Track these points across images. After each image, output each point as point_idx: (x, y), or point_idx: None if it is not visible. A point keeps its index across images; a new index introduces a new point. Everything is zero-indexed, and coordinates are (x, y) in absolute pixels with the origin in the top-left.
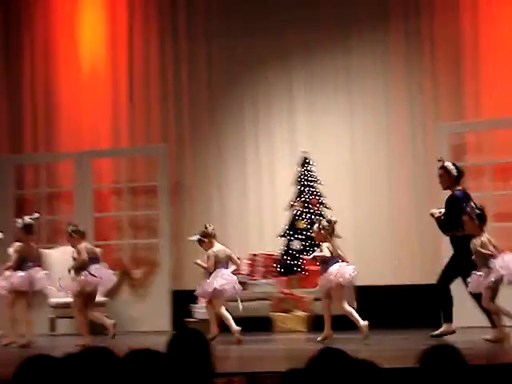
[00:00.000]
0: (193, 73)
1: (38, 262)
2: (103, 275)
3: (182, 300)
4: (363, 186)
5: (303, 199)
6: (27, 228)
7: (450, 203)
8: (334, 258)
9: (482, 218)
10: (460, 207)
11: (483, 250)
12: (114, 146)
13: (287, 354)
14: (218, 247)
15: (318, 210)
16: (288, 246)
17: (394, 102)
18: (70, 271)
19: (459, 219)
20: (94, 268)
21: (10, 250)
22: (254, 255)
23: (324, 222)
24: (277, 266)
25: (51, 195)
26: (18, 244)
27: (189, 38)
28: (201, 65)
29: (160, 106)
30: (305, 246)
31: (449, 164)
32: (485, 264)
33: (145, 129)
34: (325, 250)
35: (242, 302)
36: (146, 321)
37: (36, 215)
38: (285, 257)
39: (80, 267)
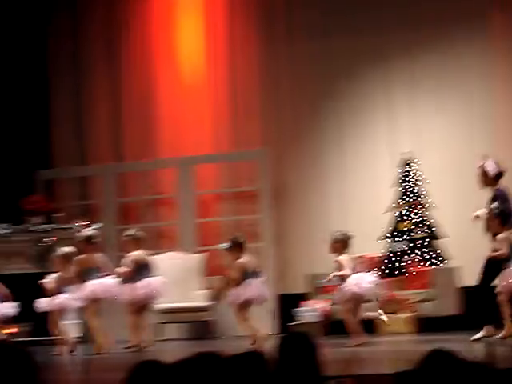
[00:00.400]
0: (293, 74)
1: (108, 270)
2: (149, 288)
3: (286, 303)
4: (467, 186)
5: (405, 200)
6: (88, 239)
7: (499, 198)
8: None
9: (504, 217)
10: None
11: (493, 253)
12: (215, 151)
13: (395, 356)
14: (246, 257)
15: (420, 210)
16: (391, 247)
17: (499, 101)
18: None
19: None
20: (144, 280)
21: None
22: (358, 257)
23: (338, 235)
24: (380, 268)
25: (155, 202)
26: (79, 257)
27: (289, 38)
28: (301, 66)
29: (261, 109)
30: (408, 247)
31: (488, 164)
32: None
33: (246, 133)
34: (345, 267)
35: None
36: None
37: (98, 225)
38: (388, 259)
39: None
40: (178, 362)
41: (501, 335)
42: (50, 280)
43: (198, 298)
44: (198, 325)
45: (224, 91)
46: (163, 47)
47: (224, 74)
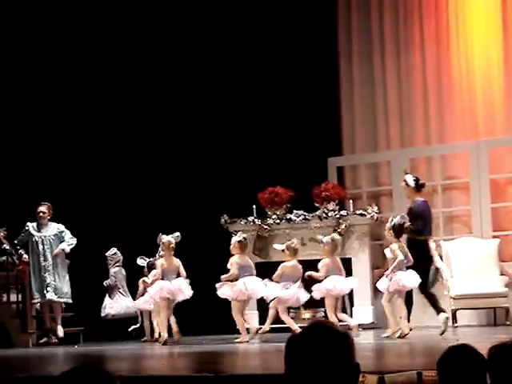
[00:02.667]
0: None
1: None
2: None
3: None
4: None
5: None
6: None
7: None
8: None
9: (398, 231)
10: (416, 215)
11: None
12: (508, 134)
13: None
14: (292, 263)
15: None
16: None
17: None
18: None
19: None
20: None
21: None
22: None
23: (329, 239)
24: None
25: (446, 187)
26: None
27: None
28: None
29: None
30: None
31: (409, 177)
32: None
33: None
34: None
35: None
36: None
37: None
38: None
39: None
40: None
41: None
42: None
43: (493, 283)
44: (490, 311)
45: None
46: (455, 30)
47: None
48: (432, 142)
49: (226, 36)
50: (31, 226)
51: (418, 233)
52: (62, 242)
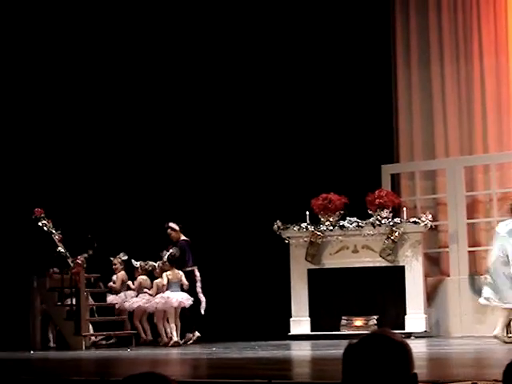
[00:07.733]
0: None
1: None
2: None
3: None
4: None
5: None
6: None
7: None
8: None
9: (171, 262)
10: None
11: None
12: None
13: None
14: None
15: None
16: None
17: None
18: None
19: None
20: None
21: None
22: None
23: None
24: None
25: (502, 196)
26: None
27: None
28: None
29: None
30: None
31: (172, 224)
32: None
33: None
34: (164, 278)
35: None
36: None
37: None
38: None
39: None
40: None
41: None
42: None
43: None
44: None
45: None
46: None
47: None
48: (490, 150)
49: (284, 38)
50: None
51: (186, 264)
52: None
